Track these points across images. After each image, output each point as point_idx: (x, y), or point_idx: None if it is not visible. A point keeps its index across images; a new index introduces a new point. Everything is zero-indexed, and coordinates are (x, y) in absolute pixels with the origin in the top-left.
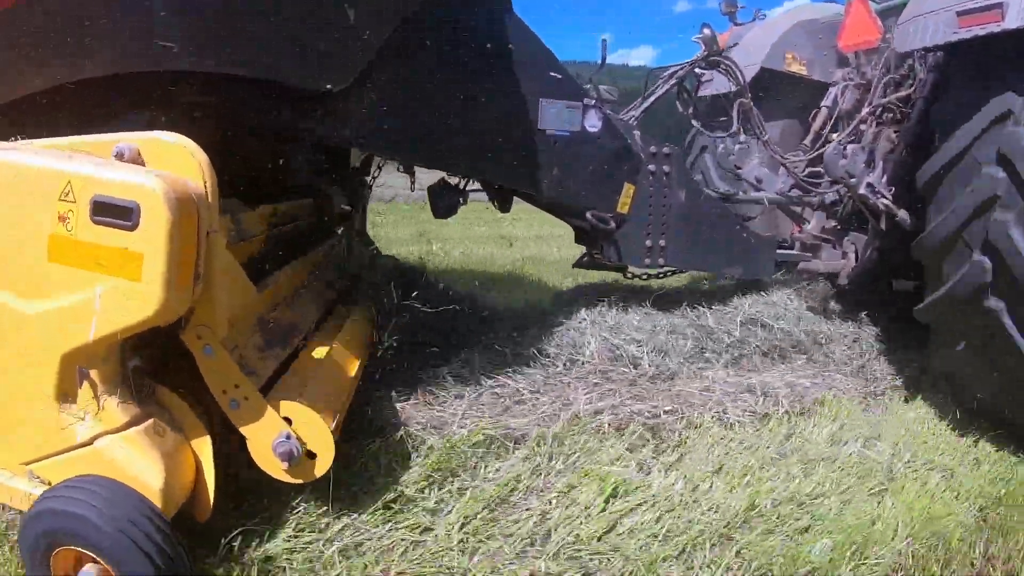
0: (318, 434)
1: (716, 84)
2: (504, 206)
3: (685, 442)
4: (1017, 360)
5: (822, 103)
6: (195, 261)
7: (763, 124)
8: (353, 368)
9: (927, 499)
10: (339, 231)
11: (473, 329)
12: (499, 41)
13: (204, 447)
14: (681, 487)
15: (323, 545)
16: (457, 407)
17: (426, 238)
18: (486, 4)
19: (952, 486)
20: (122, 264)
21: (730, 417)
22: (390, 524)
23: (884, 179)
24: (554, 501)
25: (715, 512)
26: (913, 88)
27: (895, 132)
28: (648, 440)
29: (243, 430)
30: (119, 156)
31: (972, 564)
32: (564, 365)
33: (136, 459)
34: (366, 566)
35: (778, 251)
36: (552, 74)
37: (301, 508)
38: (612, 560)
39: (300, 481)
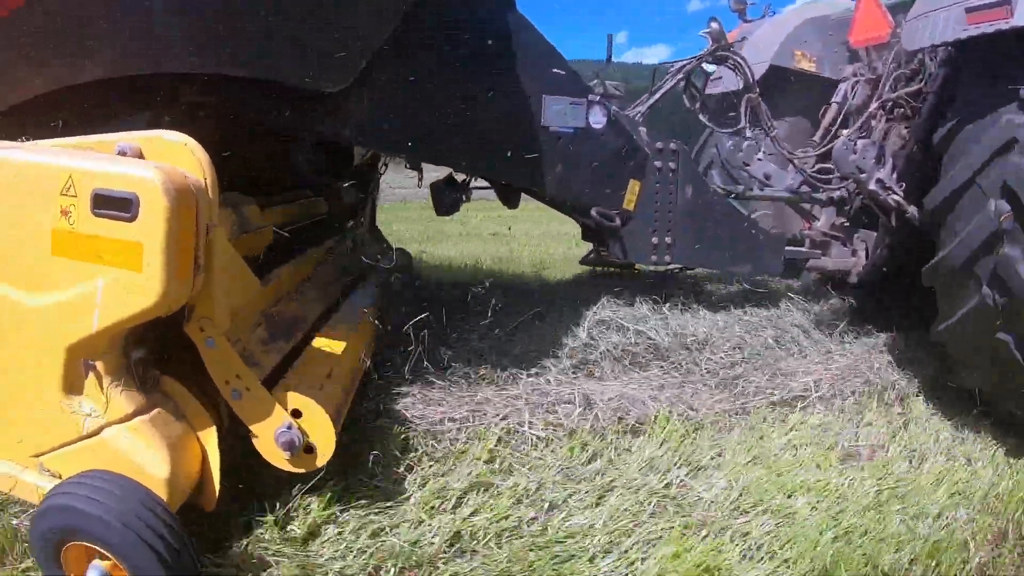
0: (320, 424)
1: (725, 82)
2: (511, 203)
3: (448, 457)
4: None
5: (832, 99)
6: (195, 251)
7: (771, 120)
8: (357, 361)
9: (716, 556)
10: (348, 225)
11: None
12: (501, 38)
13: (210, 437)
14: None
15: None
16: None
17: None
18: (487, 2)
19: (773, 540)
20: (123, 255)
21: (526, 430)
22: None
23: (894, 175)
24: None
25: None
26: (923, 83)
27: (905, 128)
28: (418, 450)
29: (246, 420)
30: (121, 155)
31: None
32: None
33: (142, 449)
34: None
35: (787, 248)
36: (556, 71)
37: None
38: None
39: (302, 471)
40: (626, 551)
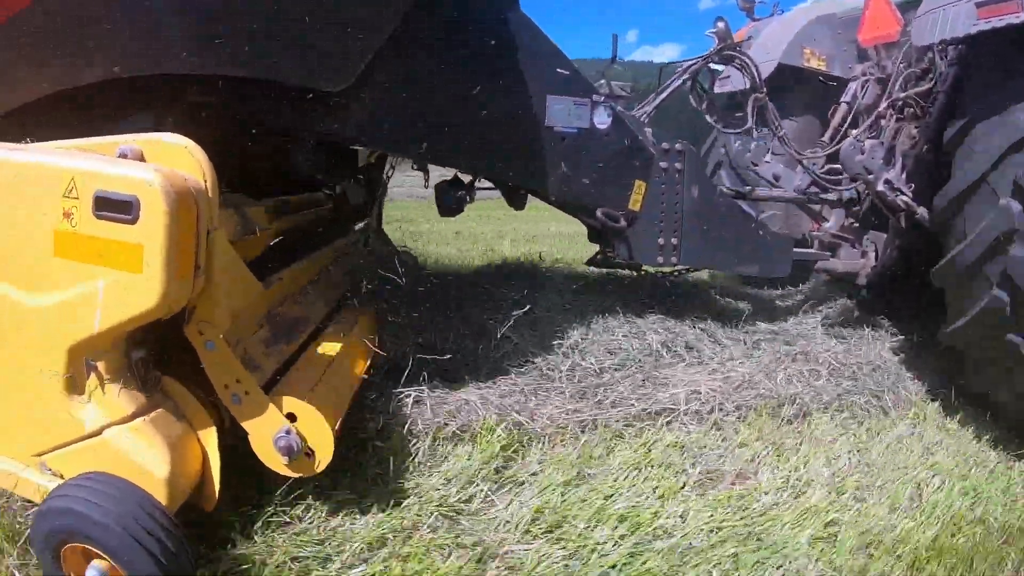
0: (318, 429)
1: (733, 81)
2: (517, 203)
3: None
4: None
5: (841, 98)
6: (195, 254)
7: (779, 120)
8: (358, 363)
9: None
10: (355, 227)
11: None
12: (503, 38)
13: (210, 438)
14: None
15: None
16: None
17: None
18: (490, 1)
19: (544, 571)
20: (124, 257)
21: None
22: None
23: (903, 175)
24: None
25: None
26: (934, 82)
27: (915, 127)
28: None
29: (244, 424)
30: (123, 157)
31: None
32: None
33: (143, 450)
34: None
35: (795, 250)
36: (559, 71)
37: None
38: None
39: (300, 475)
40: (385, 560)
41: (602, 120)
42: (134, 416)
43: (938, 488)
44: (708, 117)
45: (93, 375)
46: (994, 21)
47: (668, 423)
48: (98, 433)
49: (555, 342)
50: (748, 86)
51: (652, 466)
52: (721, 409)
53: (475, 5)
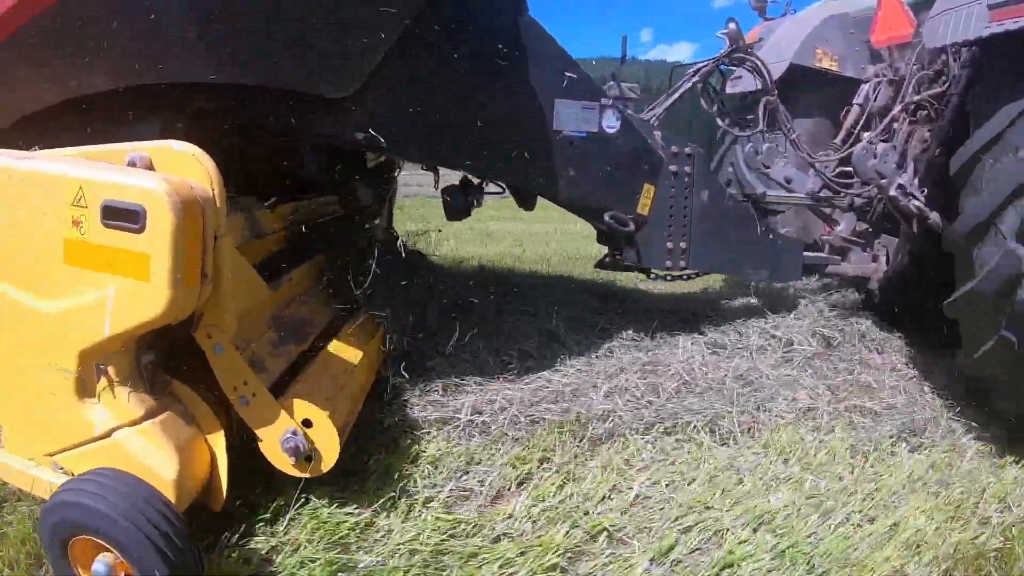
0: (324, 431)
1: (745, 82)
2: (527, 205)
3: None
4: None
5: (854, 100)
6: (201, 262)
7: (791, 122)
8: (366, 364)
9: None
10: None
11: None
12: (510, 42)
13: (218, 440)
14: None
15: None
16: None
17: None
18: (496, 6)
19: None
20: (132, 266)
21: None
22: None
23: (916, 180)
24: None
25: None
26: (947, 85)
27: (928, 131)
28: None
29: (252, 425)
30: (132, 165)
31: None
32: None
33: (152, 451)
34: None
35: (806, 254)
36: (568, 74)
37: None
38: None
39: (307, 476)
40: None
41: (611, 124)
42: (143, 418)
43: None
44: (719, 119)
45: (103, 378)
46: (1007, 23)
47: (446, 432)
48: (108, 435)
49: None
50: (759, 87)
51: (406, 478)
52: (514, 421)
53: (482, 10)
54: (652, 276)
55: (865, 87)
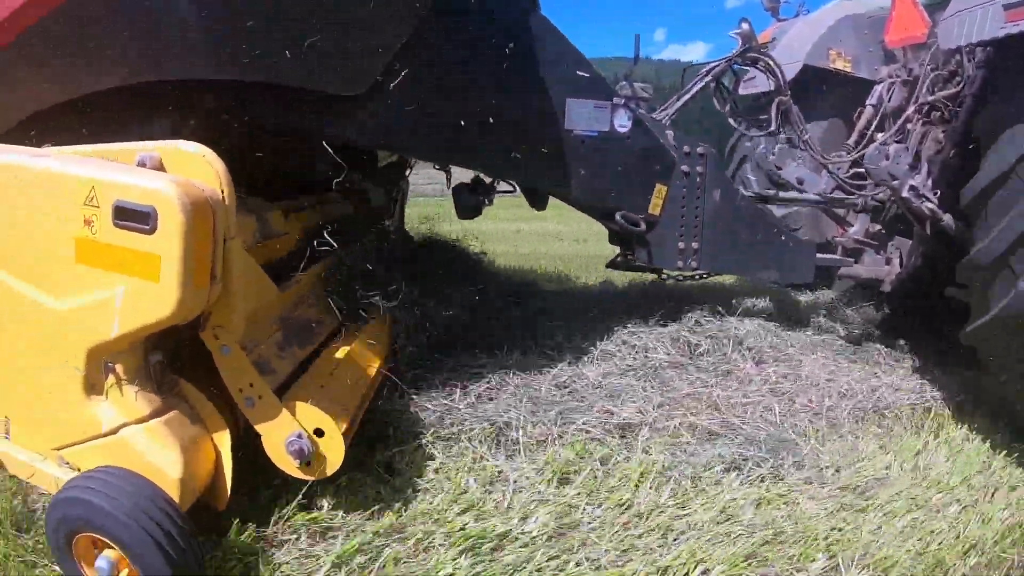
0: (329, 434)
1: (758, 82)
2: (538, 204)
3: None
4: None
5: (867, 101)
6: (211, 263)
7: (803, 123)
8: (372, 367)
9: None
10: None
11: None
12: (522, 41)
13: (223, 439)
14: None
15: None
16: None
17: None
18: (507, 4)
19: None
20: (141, 266)
21: None
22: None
23: (929, 182)
24: None
25: None
26: (962, 86)
27: (942, 132)
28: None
29: (258, 427)
30: (142, 165)
31: None
32: None
33: (157, 449)
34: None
35: (818, 255)
36: (580, 74)
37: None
38: None
39: (311, 478)
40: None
41: (622, 123)
42: (150, 417)
43: None
44: (731, 120)
45: (111, 376)
46: (1022, 24)
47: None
48: (115, 432)
49: None
50: (772, 88)
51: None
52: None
53: (493, 8)
54: (663, 277)
55: (879, 88)
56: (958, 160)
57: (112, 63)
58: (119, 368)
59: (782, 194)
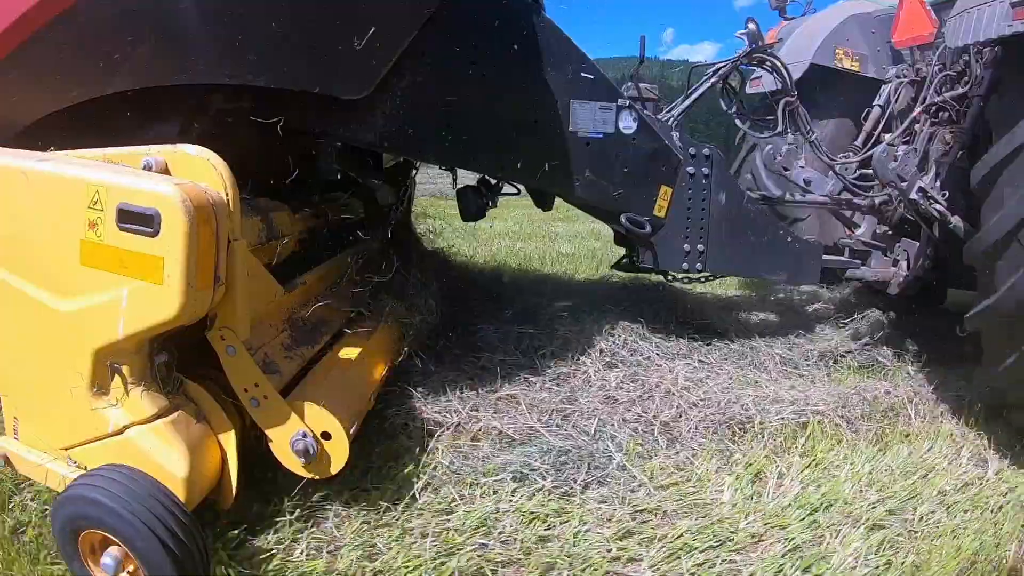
0: (334, 434)
1: (765, 82)
2: (544, 205)
3: None
4: None
5: (874, 101)
6: (215, 265)
7: (810, 123)
8: (378, 366)
9: None
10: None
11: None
12: (527, 42)
13: (229, 439)
14: None
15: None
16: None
17: None
18: (512, 6)
19: None
20: (146, 269)
21: None
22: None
23: (937, 183)
24: None
25: None
26: (969, 85)
27: (950, 133)
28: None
29: (263, 427)
30: (147, 168)
31: None
32: None
33: (163, 449)
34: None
35: (825, 257)
36: (584, 75)
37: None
38: None
39: (316, 477)
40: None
41: (627, 124)
42: (156, 417)
43: None
44: (738, 120)
45: (117, 377)
46: None
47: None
48: (121, 432)
49: None
50: (779, 88)
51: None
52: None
53: (498, 10)
54: (669, 279)
55: (886, 88)
56: (966, 161)
57: (118, 67)
58: (125, 369)
59: (788, 195)
